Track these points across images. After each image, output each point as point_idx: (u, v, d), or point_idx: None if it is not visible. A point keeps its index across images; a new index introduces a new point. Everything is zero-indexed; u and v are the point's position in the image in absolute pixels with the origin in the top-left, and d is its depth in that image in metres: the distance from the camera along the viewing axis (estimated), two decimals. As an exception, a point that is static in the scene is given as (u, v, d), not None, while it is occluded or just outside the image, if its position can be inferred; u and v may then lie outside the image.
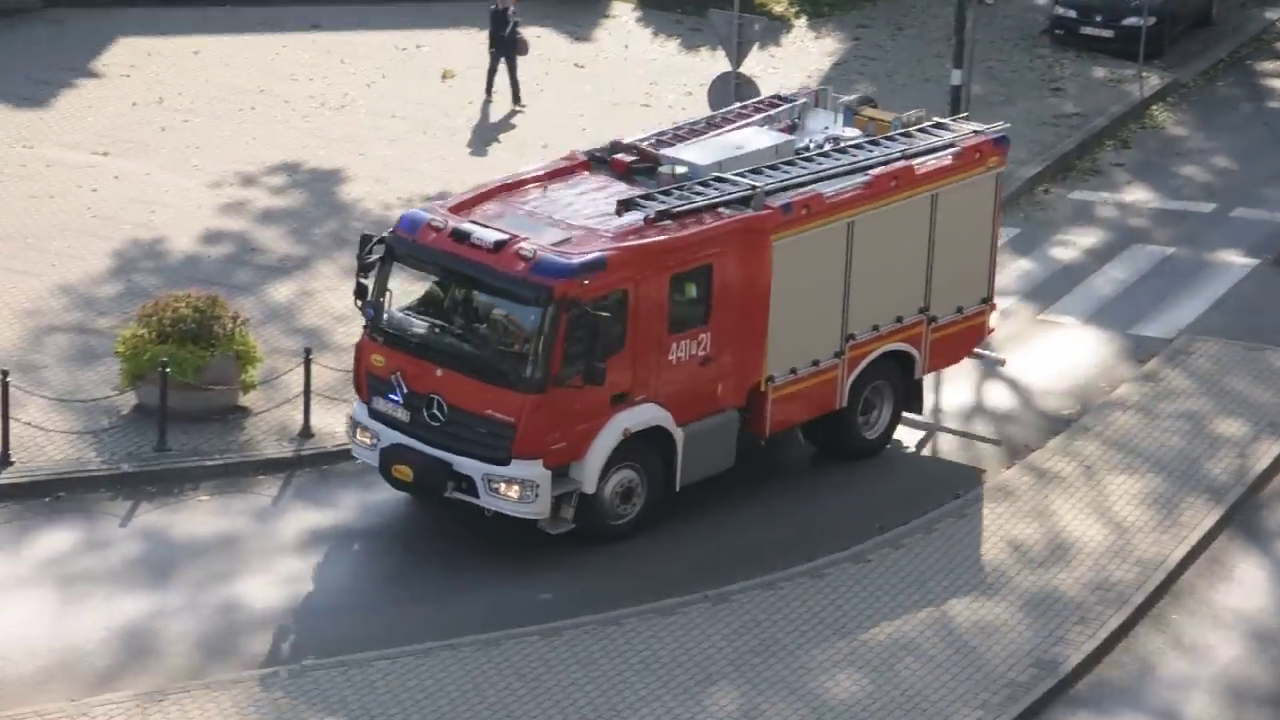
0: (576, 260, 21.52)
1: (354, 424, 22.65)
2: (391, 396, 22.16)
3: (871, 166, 23.93)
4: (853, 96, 26.19)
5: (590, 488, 21.93)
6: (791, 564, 22.21)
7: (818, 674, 20.32)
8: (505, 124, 33.86)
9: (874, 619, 21.22)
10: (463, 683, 19.85)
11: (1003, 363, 25.91)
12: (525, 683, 19.91)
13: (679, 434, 22.46)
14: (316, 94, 34.57)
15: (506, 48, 34.21)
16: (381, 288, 22.43)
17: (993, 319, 25.79)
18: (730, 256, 22.57)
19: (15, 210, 29.47)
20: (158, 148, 32.06)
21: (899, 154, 24.21)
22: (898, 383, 24.58)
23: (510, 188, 23.19)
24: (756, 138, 24.49)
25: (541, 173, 23.62)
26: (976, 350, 25.53)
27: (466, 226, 22.02)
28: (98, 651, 20.24)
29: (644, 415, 22.20)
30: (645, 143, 24.18)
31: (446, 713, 19.42)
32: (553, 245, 21.78)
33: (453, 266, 21.98)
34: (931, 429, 25.41)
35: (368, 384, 22.47)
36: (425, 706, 19.49)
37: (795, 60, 37.53)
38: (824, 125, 25.10)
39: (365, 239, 22.56)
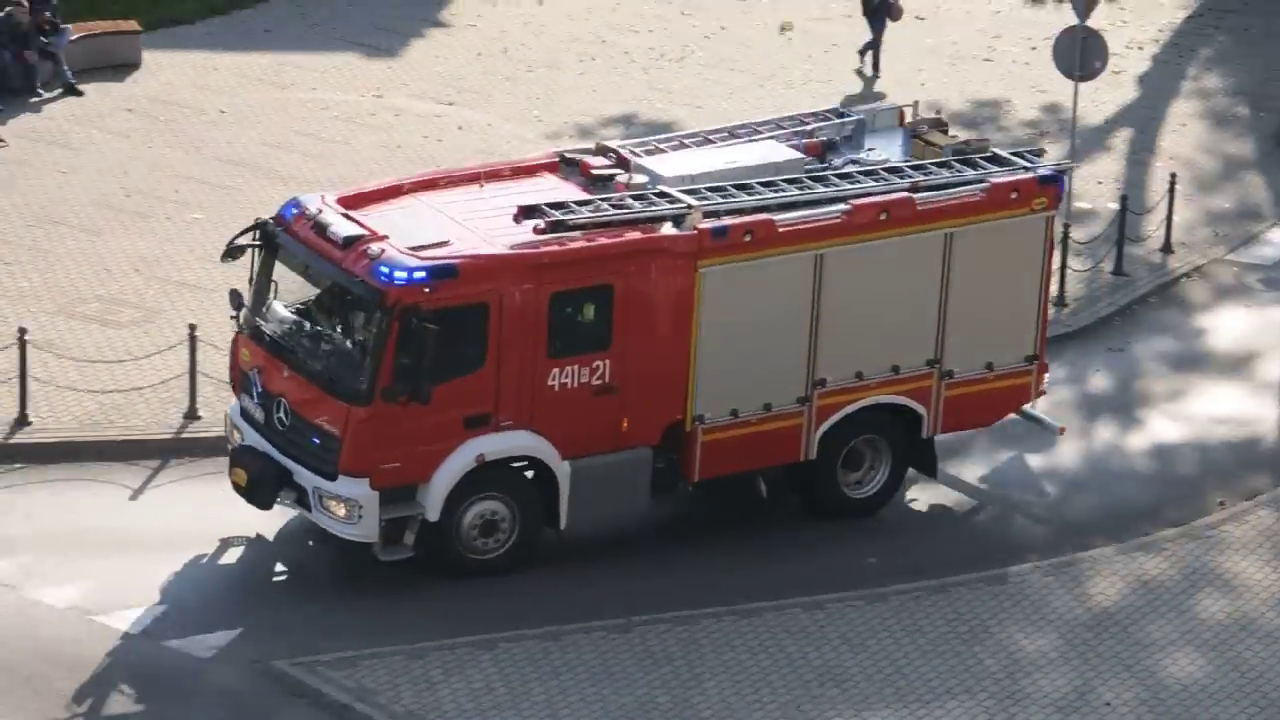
0: (419, 265, 19.56)
1: (228, 421, 21.29)
2: (252, 395, 20.82)
3: (867, 196, 21.14)
4: (924, 116, 23.18)
5: (433, 515, 20.03)
6: (1128, 536, 21.72)
7: (1153, 651, 19.82)
8: (846, 78, 33.55)
9: (1212, 595, 20.62)
10: (788, 645, 19.79)
11: (1060, 431, 22.93)
12: (851, 647, 19.76)
13: (564, 468, 20.39)
14: (656, 45, 34.67)
15: (877, 11, 33.58)
16: (262, 276, 20.77)
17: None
18: (639, 279, 20.24)
19: (365, 160, 30.09)
20: (500, 98, 32.49)
21: (907, 185, 21.36)
22: (898, 439, 21.79)
23: (446, 182, 21.31)
24: (760, 153, 21.91)
25: (497, 169, 21.72)
26: (1030, 413, 22.67)
27: (327, 218, 20.25)
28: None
29: (508, 443, 20.16)
30: (640, 148, 21.97)
31: (770, 672, 19.40)
32: (415, 248, 19.78)
33: (307, 260, 20.28)
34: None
35: (240, 380, 21.11)
36: (750, 667, 19.50)
37: (1146, 14, 36.47)
38: (869, 147, 22.39)
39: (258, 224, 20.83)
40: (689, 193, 20.89)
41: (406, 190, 21.22)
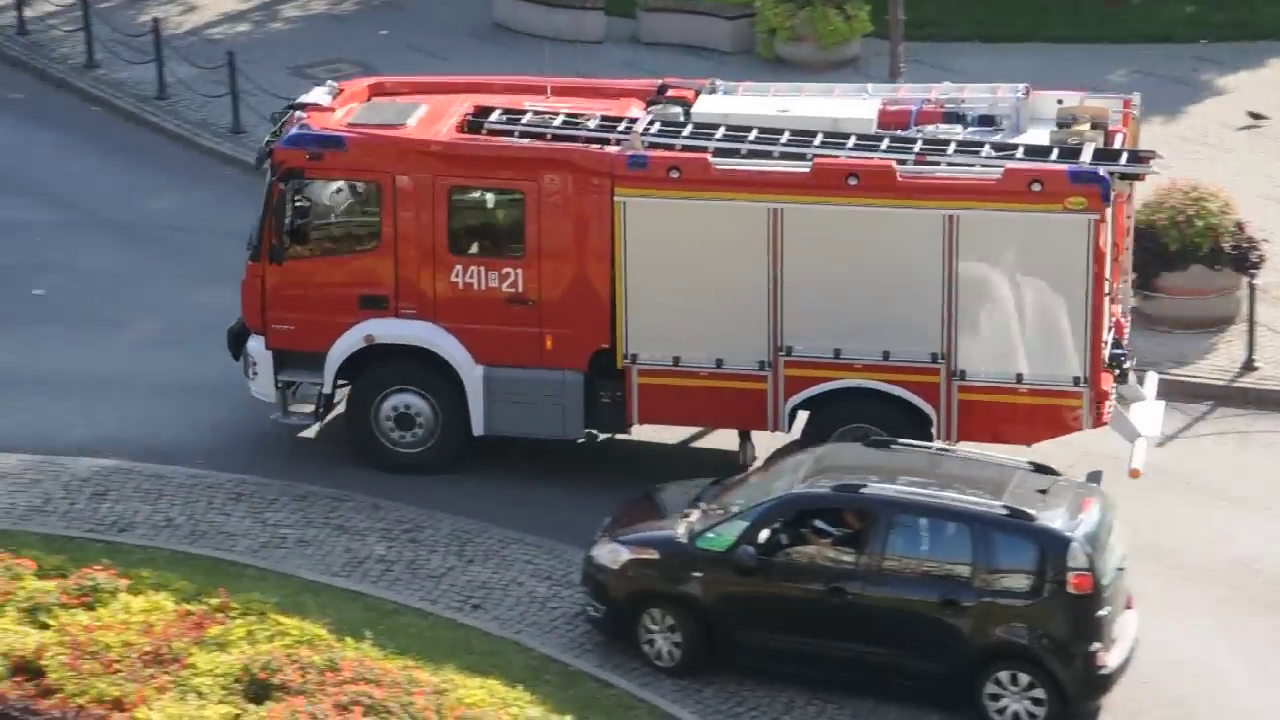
0: (308, 134, 20.48)
1: None
2: None
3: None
4: (1079, 106, 20.93)
5: (326, 387, 20.88)
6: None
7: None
8: None
9: None
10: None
11: (1134, 475, 20.13)
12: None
13: (475, 372, 20.56)
14: None
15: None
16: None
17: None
18: (551, 193, 20.17)
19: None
20: None
21: (914, 154, 19.85)
22: (904, 437, 19.57)
23: (521, 88, 21.56)
24: (823, 107, 20.81)
25: (591, 86, 21.96)
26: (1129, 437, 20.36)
27: (313, 95, 21.32)
28: None
29: (401, 330, 20.65)
30: (724, 88, 21.49)
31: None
32: (354, 124, 20.62)
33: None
34: None
35: None
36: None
37: None
38: (1021, 131, 20.60)
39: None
40: (705, 131, 20.22)
41: (459, 88, 21.54)
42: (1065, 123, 20.66)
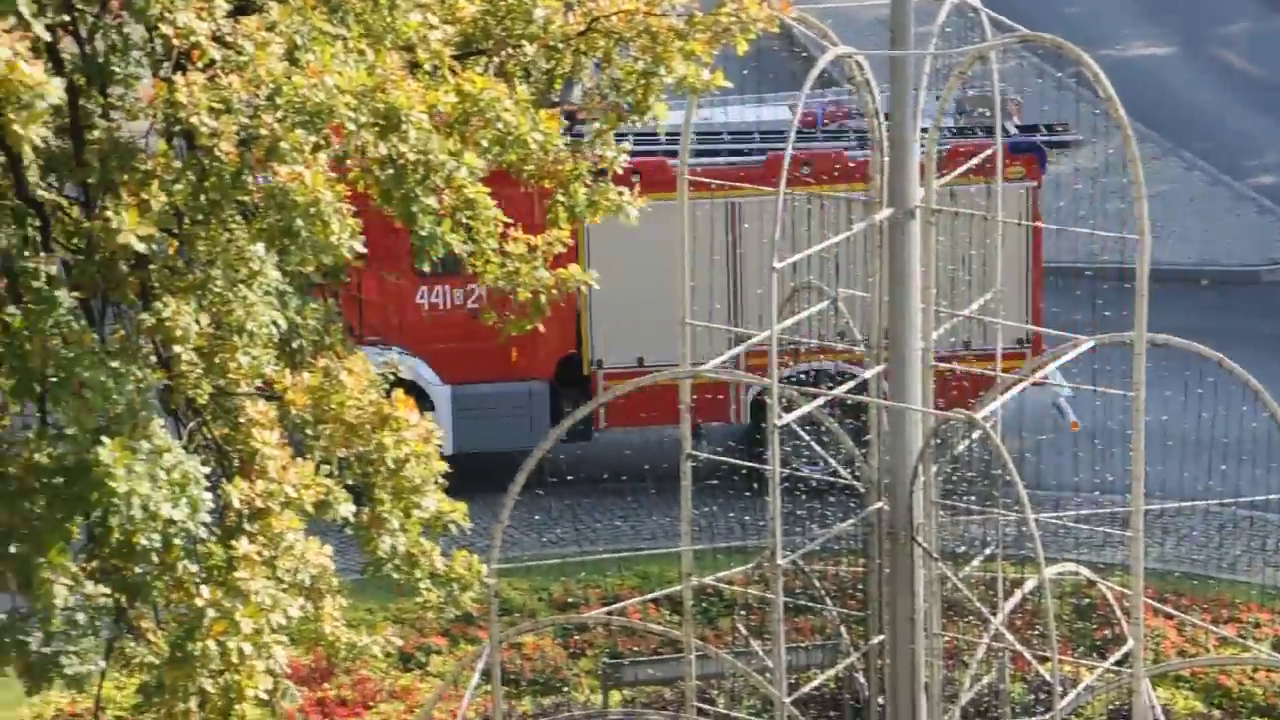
0: None
1: None
2: None
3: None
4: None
5: None
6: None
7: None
8: None
9: None
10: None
11: (1074, 426, 22.08)
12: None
13: (442, 392, 21.07)
14: None
15: None
16: None
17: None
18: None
19: None
20: None
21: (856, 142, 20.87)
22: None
23: None
24: (753, 115, 22.01)
25: None
26: (1055, 402, 22.08)
27: None
28: None
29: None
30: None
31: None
32: None
33: None
34: None
35: None
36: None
37: None
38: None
39: None
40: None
41: None
42: (964, 110, 22.03)
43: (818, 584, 16.33)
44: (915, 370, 14.72)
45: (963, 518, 16.58)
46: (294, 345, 12.58)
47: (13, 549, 10.91)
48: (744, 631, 16.90)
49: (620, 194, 12.60)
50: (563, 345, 21.02)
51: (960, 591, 14.58)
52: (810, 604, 17.16)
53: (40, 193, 11.62)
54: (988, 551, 15.53)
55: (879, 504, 14.72)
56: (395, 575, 12.46)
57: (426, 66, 11.87)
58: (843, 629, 15.66)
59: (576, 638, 20.04)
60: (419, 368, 20.97)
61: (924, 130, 14.43)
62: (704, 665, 16.41)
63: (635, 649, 19.72)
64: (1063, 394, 22.16)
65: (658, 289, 20.55)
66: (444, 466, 12.27)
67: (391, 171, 11.24)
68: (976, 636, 15.86)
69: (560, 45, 12.31)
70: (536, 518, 22.28)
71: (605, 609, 19.28)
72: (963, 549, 17.00)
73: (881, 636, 14.96)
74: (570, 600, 20.64)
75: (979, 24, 14.74)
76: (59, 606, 10.92)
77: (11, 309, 11.00)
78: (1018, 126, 21.69)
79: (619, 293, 20.52)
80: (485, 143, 11.59)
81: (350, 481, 12.09)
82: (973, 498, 16.59)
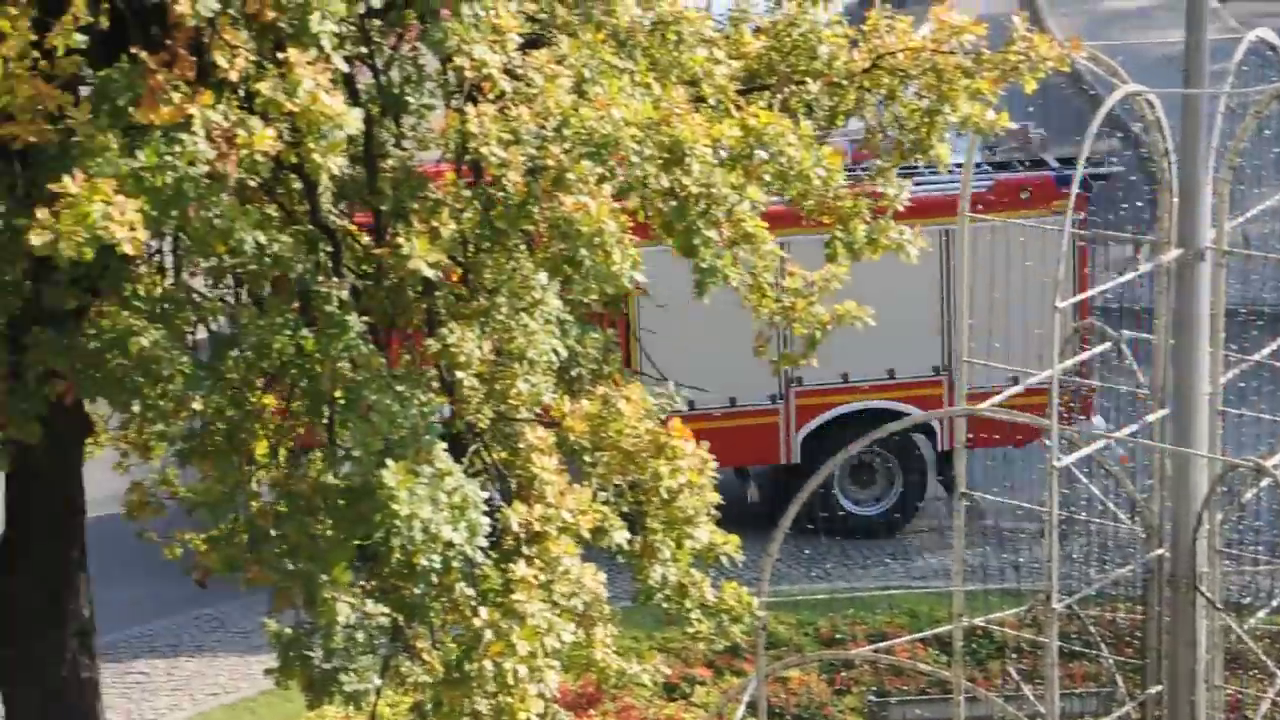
0: None
1: None
2: None
3: None
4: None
5: None
6: None
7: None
8: None
9: None
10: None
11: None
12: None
13: None
14: None
15: None
16: None
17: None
18: None
19: None
20: None
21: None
22: (907, 453, 21.14)
23: None
24: None
25: None
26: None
27: None
28: None
29: None
30: None
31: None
32: None
33: None
34: None
35: None
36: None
37: None
38: None
39: None
40: None
41: None
42: (991, 145, 21.61)
43: (1093, 630, 16.08)
44: (1202, 415, 14.44)
45: (1249, 568, 16.21)
46: (573, 373, 12.77)
47: (298, 565, 11.22)
48: (1015, 675, 16.70)
49: (901, 232, 12.58)
50: None
51: (1245, 644, 14.24)
52: (1085, 650, 16.88)
53: (332, 219, 11.96)
54: (1275, 603, 15.17)
55: (1160, 550, 14.47)
56: (665, 605, 12.56)
57: (711, 101, 11.98)
58: (1118, 677, 15.40)
59: (842, 674, 19.96)
60: None
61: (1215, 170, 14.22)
62: (973, 708, 16.23)
63: (903, 688, 19.59)
64: None
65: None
66: (717, 498, 12.34)
67: (674, 204, 11.38)
68: (1261, 691, 15.47)
69: (844, 82, 12.34)
70: (806, 552, 22.26)
71: (872, 646, 19.18)
72: (1248, 600, 16.62)
73: (1159, 686, 14.69)
74: (837, 636, 20.56)
75: (1277, 61, 14.45)
76: (340, 624, 11.19)
77: (305, 332, 11.32)
78: (1059, 159, 21.33)
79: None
80: (767, 177, 11.67)
81: (625, 509, 12.22)
82: (1259, 547, 16.22)
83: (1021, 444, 21.58)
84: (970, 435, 18.40)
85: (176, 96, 9.86)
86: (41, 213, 9.56)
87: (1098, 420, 21.33)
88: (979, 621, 16.02)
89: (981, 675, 19.34)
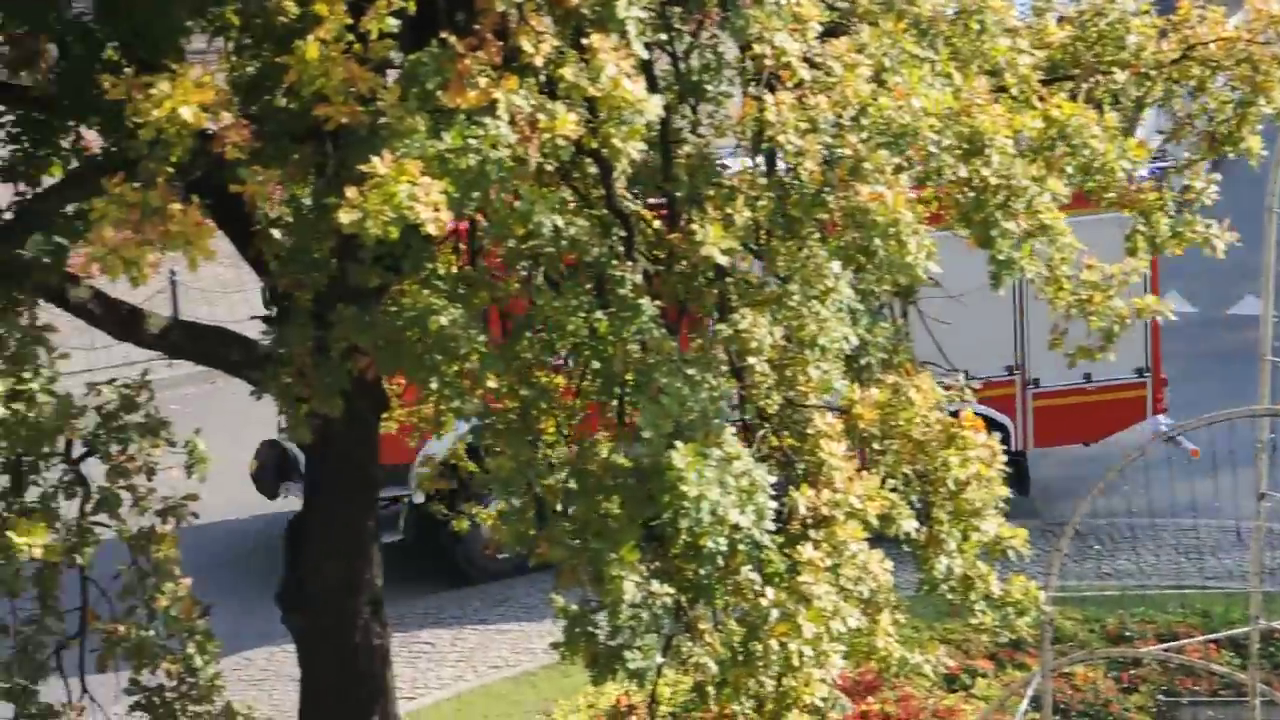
0: None
1: None
2: None
3: None
4: None
5: (419, 497, 19.99)
6: None
7: None
8: None
9: None
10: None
11: (1193, 454, 20.62)
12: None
13: None
14: None
15: None
16: None
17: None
18: None
19: None
20: None
21: None
22: None
23: None
24: None
25: None
26: (1166, 433, 20.12)
27: None
28: None
29: None
30: None
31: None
32: None
33: None
34: None
35: None
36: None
37: None
38: None
39: None
40: None
41: None
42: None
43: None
44: None
45: None
46: (862, 362, 12.74)
47: (587, 543, 11.37)
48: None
49: (1207, 225, 12.31)
50: None
51: None
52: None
53: (626, 203, 12.09)
54: None
55: None
56: (950, 596, 12.48)
57: (1013, 91, 11.85)
58: None
59: (1130, 672, 19.64)
60: None
61: None
62: (1269, 712, 15.87)
63: (1193, 689, 19.21)
64: None
65: None
66: (1006, 491, 12.23)
67: (972, 195, 11.29)
68: None
69: (1152, 72, 12.12)
70: (1095, 548, 21.94)
71: (1162, 645, 18.83)
72: None
73: None
74: (1125, 634, 20.23)
75: None
76: (626, 602, 11.31)
77: (598, 314, 11.47)
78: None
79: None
80: (1069, 169, 11.52)
81: (912, 499, 12.17)
82: None
83: (1088, 443, 21.37)
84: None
85: (483, 81, 10.04)
86: (350, 192, 9.80)
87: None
88: (1277, 625, 15.64)
89: (1278, 679, 18.89)
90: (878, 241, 10.94)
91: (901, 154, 10.95)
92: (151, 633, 12.57)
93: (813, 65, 11.06)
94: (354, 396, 12.41)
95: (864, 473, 11.91)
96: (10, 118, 12.99)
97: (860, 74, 10.93)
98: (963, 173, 11.24)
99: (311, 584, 14.26)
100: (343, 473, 14.07)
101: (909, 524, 12.00)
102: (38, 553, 10.41)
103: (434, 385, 11.70)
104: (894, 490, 12.06)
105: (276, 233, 12.16)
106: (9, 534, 10.31)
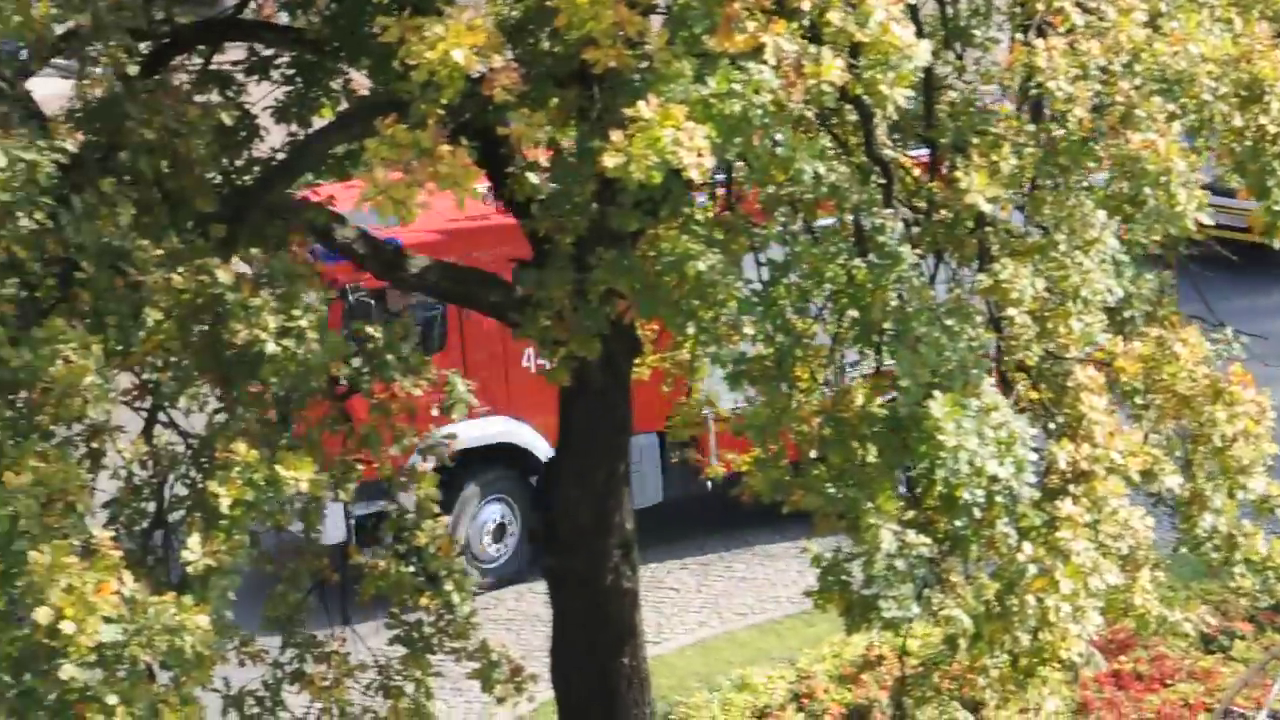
0: None
1: None
2: None
3: None
4: None
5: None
6: None
7: None
8: None
9: None
10: None
11: None
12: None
13: None
14: None
15: None
16: None
17: None
18: None
19: None
20: None
21: None
22: None
23: None
24: None
25: None
26: None
27: None
28: None
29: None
30: None
31: None
32: None
33: None
34: None
35: None
36: None
37: None
38: None
39: None
40: None
41: None
42: None
43: None
44: None
45: None
46: (1125, 315, 12.52)
47: (843, 491, 11.33)
48: None
49: None
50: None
51: None
52: None
53: (885, 151, 11.97)
54: None
55: None
56: (1212, 556, 12.24)
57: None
58: None
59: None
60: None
61: None
62: None
63: None
64: None
65: None
66: (1275, 449, 11.94)
67: (1249, 143, 11.02)
68: None
69: None
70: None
71: None
72: None
73: None
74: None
75: None
76: (882, 551, 11.25)
77: (858, 261, 11.39)
78: None
79: None
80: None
81: (1176, 454, 11.94)
82: None
83: None
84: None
85: (751, 25, 10.00)
86: (615, 135, 9.83)
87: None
88: None
89: None
90: (1147, 191, 10.72)
91: (1176, 100, 10.71)
92: (410, 569, 12.83)
93: (1085, 10, 10.86)
94: (609, 340, 12.48)
95: (1125, 428, 11.71)
96: (284, 59, 13.26)
97: (1135, 19, 10.71)
98: (1239, 121, 10.97)
99: (563, 526, 14.40)
100: (597, 417, 14.17)
101: (1173, 480, 11.78)
102: (304, 486, 10.63)
103: (690, 330, 11.72)
104: (1157, 446, 11.84)
105: (533, 176, 12.25)
106: (277, 467, 10.53)
